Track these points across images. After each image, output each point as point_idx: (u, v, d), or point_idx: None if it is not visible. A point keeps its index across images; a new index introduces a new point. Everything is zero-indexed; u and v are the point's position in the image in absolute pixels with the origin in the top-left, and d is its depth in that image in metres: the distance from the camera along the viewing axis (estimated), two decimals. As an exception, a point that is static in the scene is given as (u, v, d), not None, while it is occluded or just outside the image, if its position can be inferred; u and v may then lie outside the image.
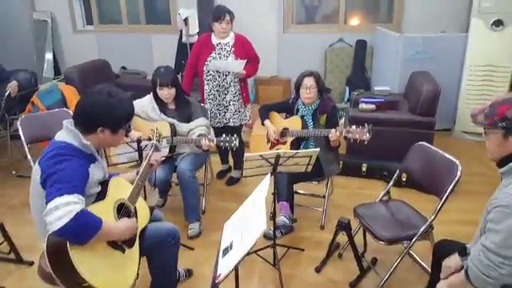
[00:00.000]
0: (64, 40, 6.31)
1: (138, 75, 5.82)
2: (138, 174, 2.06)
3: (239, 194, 3.50)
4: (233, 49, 3.28)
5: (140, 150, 2.55)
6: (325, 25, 5.73)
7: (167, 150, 2.84)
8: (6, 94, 3.91)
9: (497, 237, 1.45)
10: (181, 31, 5.12)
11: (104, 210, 1.70)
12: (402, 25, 5.30)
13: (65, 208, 1.44)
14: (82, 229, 1.48)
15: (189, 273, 2.50)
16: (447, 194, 2.12)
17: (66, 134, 1.71)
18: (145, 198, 2.57)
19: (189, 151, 2.98)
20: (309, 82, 2.82)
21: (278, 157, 2.27)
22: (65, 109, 3.38)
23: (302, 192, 3.38)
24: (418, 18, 5.16)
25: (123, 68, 6.07)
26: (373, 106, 3.82)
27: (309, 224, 3.04)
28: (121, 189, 1.87)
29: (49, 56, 6.23)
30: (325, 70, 5.64)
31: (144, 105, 2.97)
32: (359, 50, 5.41)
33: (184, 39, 5.04)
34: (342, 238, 2.50)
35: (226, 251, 1.66)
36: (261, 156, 2.24)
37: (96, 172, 1.74)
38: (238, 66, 3.21)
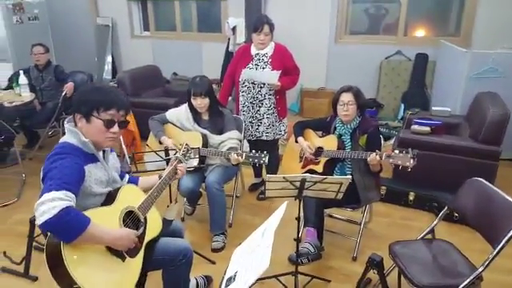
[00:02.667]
0: (122, 44, 6.56)
1: (186, 82, 5.86)
2: (159, 178, 2.00)
3: (269, 209, 3.32)
4: (270, 60, 3.13)
5: (168, 160, 2.51)
6: (382, 36, 5.40)
7: (196, 161, 2.75)
8: (63, 94, 4.12)
9: None
10: (229, 39, 5.06)
11: (108, 215, 1.64)
12: (471, 39, 4.82)
13: (49, 204, 1.40)
14: (65, 226, 1.42)
15: (208, 280, 2.42)
16: (503, 243, 1.78)
17: (68, 134, 1.69)
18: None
19: (219, 163, 2.87)
20: (346, 97, 2.57)
21: (303, 181, 2.05)
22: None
23: (336, 216, 3.12)
24: (490, 32, 4.66)
25: (174, 74, 6.15)
26: (427, 129, 3.44)
27: (340, 253, 2.77)
28: (132, 196, 1.79)
29: (109, 59, 6.51)
30: (378, 83, 5.31)
31: (179, 113, 2.94)
32: (419, 65, 5.01)
33: (231, 48, 4.99)
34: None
35: (229, 282, 1.51)
36: (284, 178, 2.04)
37: (96, 172, 1.67)
38: (271, 76, 3.04)
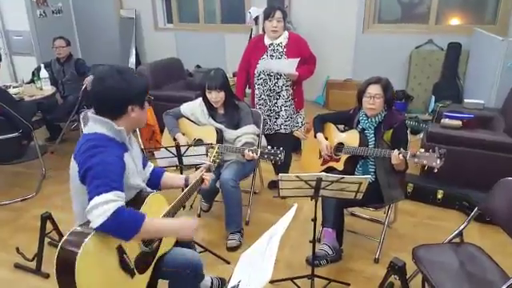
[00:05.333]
0: (146, 37, 6.56)
1: (208, 74, 5.78)
2: (185, 185, 1.97)
3: (288, 207, 3.18)
4: (285, 49, 2.99)
5: (179, 156, 2.44)
6: (412, 24, 5.13)
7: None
8: (83, 87, 4.12)
9: None
10: (251, 30, 4.94)
11: None
12: (508, 27, 4.50)
13: (103, 207, 1.42)
14: (121, 226, 1.45)
15: (222, 282, 2.31)
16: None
17: (96, 124, 1.61)
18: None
19: (235, 159, 2.78)
20: (374, 90, 2.40)
21: (319, 180, 1.93)
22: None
23: (359, 215, 2.98)
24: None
25: (198, 66, 6.09)
26: (458, 123, 3.22)
27: (361, 254, 2.63)
28: (156, 208, 1.75)
29: (133, 51, 6.51)
30: (408, 74, 5.06)
31: (194, 107, 2.86)
32: (451, 54, 4.73)
33: (253, 38, 4.84)
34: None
35: (232, 290, 1.41)
36: (298, 177, 1.92)
37: (130, 162, 1.65)
38: (289, 65, 2.91)
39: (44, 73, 4.01)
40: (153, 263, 1.72)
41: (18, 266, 2.55)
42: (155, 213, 1.71)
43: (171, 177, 1.99)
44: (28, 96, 3.77)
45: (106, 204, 1.42)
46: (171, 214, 1.77)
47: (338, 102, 5.14)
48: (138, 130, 3.25)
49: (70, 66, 4.29)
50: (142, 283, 1.66)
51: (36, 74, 4.07)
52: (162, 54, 5.76)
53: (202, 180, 1.99)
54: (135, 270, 1.61)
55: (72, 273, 1.38)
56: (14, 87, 4.01)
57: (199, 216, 3.08)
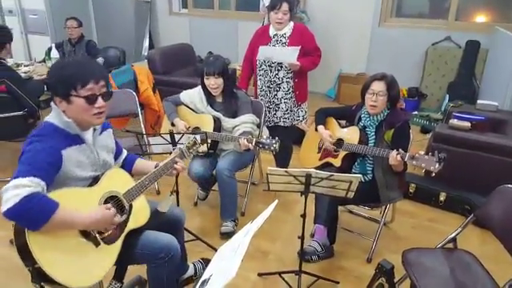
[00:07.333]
0: (161, 21, 6.53)
1: (219, 61, 5.73)
2: (155, 167, 1.87)
3: (286, 201, 3.14)
4: (288, 40, 2.92)
5: (174, 143, 2.42)
6: (431, 20, 4.96)
7: (205, 146, 2.63)
8: (92, 69, 4.12)
9: None
10: (264, 19, 4.87)
11: (85, 198, 1.55)
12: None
13: (12, 191, 1.34)
14: (29, 214, 1.35)
15: (206, 264, 2.29)
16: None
17: (52, 113, 1.59)
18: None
19: (232, 148, 2.75)
20: (378, 86, 2.32)
21: (308, 176, 1.89)
22: (129, 89, 3.38)
23: (356, 212, 2.93)
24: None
25: (210, 53, 6.05)
26: (467, 124, 3.10)
27: (354, 253, 2.58)
28: (119, 181, 1.69)
29: (148, 35, 6.50)
30: (423, 71, 4.91)
31: (193, 95, 2.83)
32: (469, 53, 4.57)
33: (265, 27, 4.76)
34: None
35: (203, 284, 1.39)
36: (287, 172, 1.89)
37: (77, 155, 1.57)
38: (289, 53, 2.83)
39: (55, 53, 4.04)
40: (122, 236, 1.64)
41: (13, 243, 2.58)
42: (118, 185, 1.66)
43: (143, 163, 1.94)
44: (37, 75, 3.81)
45: (17, 188, 1.34)
46: (138, 190, 1.71)
47: (349, 96, 5.04)
48: (140, 115, 3.24)
49: (81, 47, 4.31)
50: (109, 254, 1.58)
51: (48, 53, 4.11)
52: (176, 38, 5.75)
53: (172, 165, 1.87)
54: (99, 239, 1.55)
55: (25, 241, 1.37)
56: (25, 65, 4.07)
57: (196, 204, 3.09)
